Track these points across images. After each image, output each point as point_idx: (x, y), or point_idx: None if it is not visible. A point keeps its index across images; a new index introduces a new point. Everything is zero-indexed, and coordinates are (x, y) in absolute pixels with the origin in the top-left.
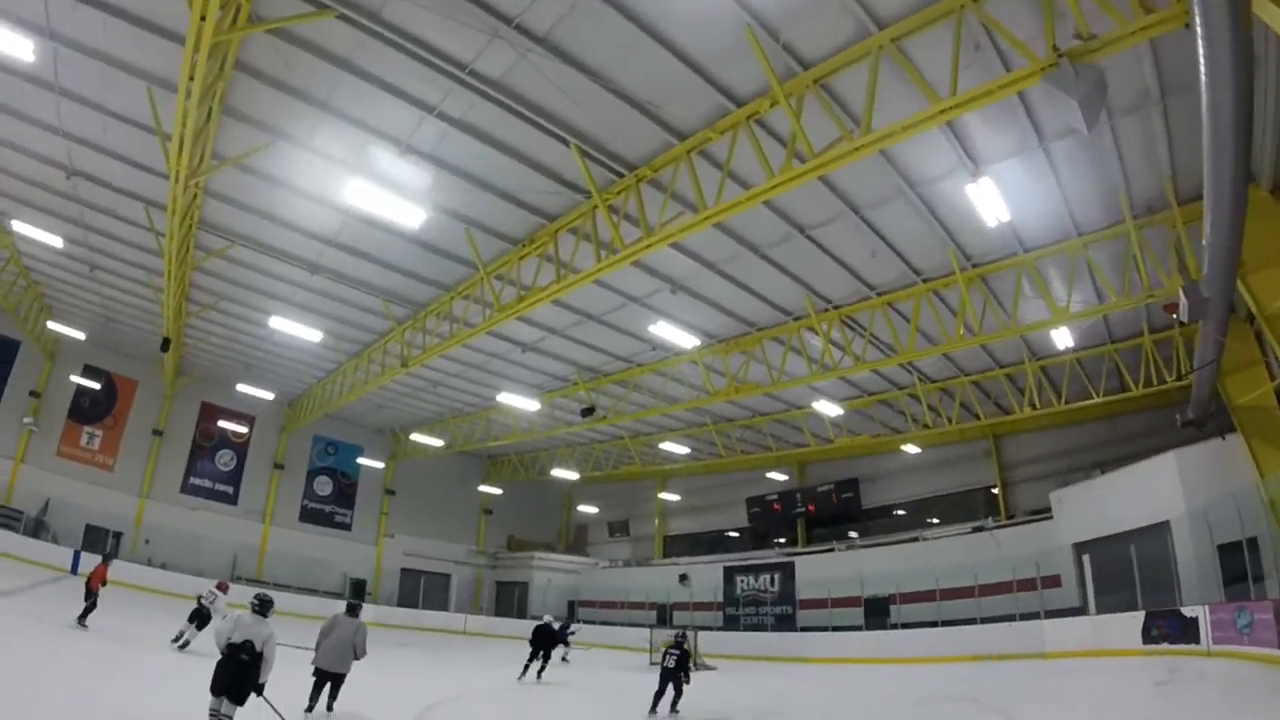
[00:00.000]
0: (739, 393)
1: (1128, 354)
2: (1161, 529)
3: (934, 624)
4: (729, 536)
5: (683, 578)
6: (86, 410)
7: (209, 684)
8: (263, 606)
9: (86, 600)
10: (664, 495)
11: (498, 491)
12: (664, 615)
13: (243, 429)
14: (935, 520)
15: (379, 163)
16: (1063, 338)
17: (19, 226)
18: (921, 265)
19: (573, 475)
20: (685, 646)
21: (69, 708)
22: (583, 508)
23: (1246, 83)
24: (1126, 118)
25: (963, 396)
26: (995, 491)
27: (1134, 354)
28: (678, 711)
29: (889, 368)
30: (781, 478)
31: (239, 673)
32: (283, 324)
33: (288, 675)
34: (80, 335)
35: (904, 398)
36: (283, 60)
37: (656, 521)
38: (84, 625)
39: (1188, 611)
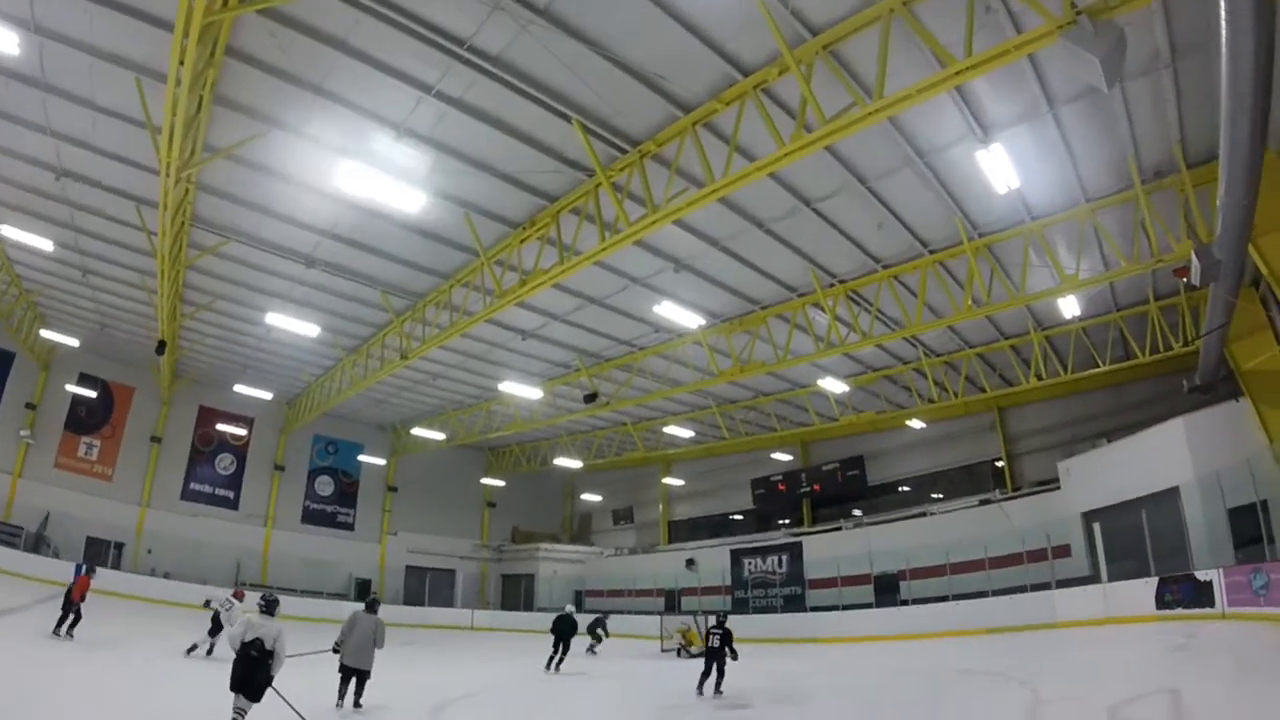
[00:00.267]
0: (744, 372)
1: (1133, 322)
2: (1171, 495)
3: (945, 598)
4: (734, 520)
5: (690, 562)
6: (83, 420)
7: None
8: (269, 606)
9: (64, 610)
10: (667, 480)
11: (500, 484)
12: (672, 601)
13: (241, 431)
14: (940, 495)
15: (375, 147)
16: (1069, 306)
17: (8, 231)
18: (928, 236)
19: (575, 464)
20: (727, 626)
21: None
22: (586, 496)
23: (1268, 35)
24: (1137, 80)
25: (968, 370)
26: (1000, 464)
27: (1139, 321)
28: (721, 692)
29: (893, 342)
30: (786, 458)
31: (250, 669)
32: (279, 320)
33: (313, 675)
34: (74, 343)
35: (908, 372)
36: (276, 43)
37: (661, 507)
38: (60, 634)
39: (1201, 575)
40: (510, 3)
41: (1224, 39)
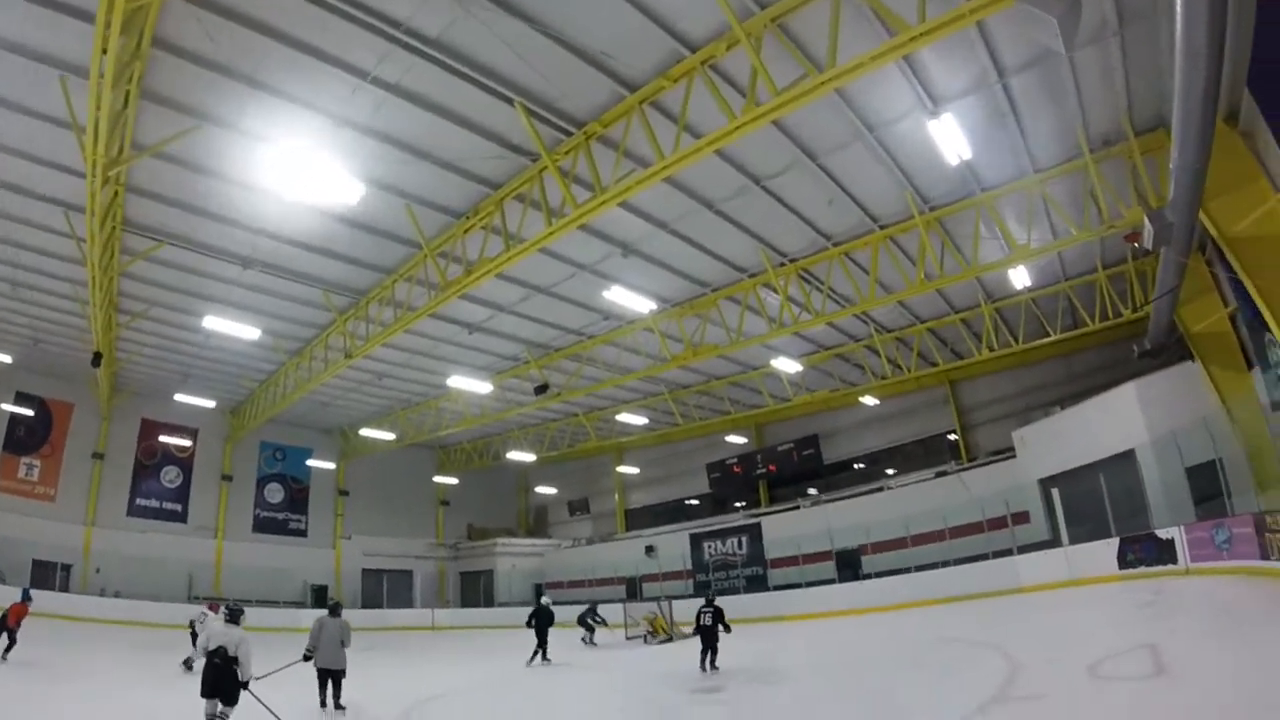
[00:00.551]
0: (696, 356)
1: (1082, 291)
2: (1128, 457)
3: (907, 570)
4: (691, 505)
5: (649, 549)
6: (22, 440)
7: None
8: (233, 615)
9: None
10: (622, 469)
11: (453, 481)
12: (634, 589)
13: (186, 442)
14: (892, 471)
15: (312, 139)
16: (1020, 277)
17: None
18: (879, 212)
19: (529, 457)
20: (718, 605)
21: None
22: (540, 489)
23: None
24: (1085, 49)
25: (919, 345)
26: (954, 437)
27: (1088, 291)
28: (718, 668)
29: (845, 320)
30: (740, 441)
31: (217, 676)
32: (218, 324)
33: (290, 685)
34: (8, 359)
35: (860, 350)
36: (204, 31)
37: (616, 496)
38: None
39: (1162, 534)
40: None
41: None
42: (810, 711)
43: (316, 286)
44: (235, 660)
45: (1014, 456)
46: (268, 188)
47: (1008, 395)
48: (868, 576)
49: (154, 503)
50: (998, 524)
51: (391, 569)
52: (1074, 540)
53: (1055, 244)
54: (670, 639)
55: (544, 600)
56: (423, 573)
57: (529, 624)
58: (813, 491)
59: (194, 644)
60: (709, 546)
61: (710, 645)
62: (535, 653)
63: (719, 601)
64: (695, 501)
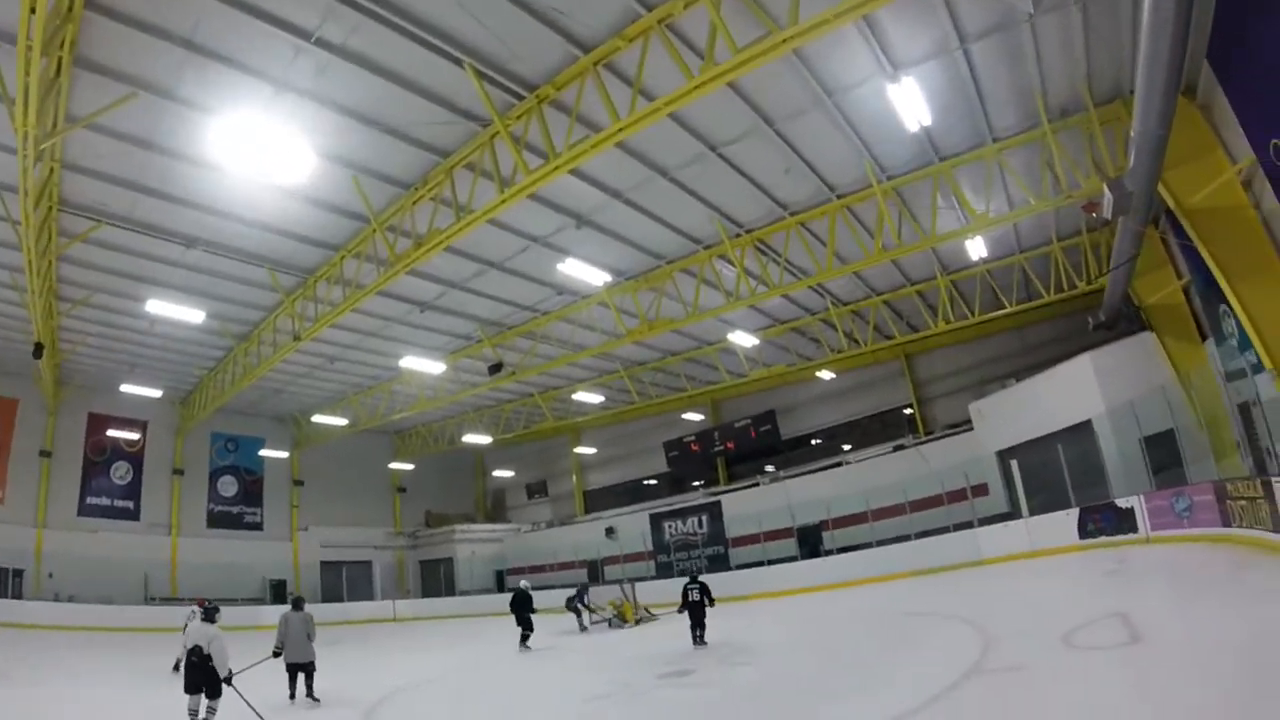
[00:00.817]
0: (652, 330)
1: (1037, 263)
2: (1084, 428)
3: (869, 545)
4: (649, 484)
5: (609, 531)
6: None
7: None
8: (208, 614)
9: None
10: (579, 450)
11: (409, 467)
12: (595, 571)
13: (135, 436)
14: (849, 447)
15: (253, 107)
16: (976, 248)
17: None
18: (836, 180)
19: (484, 440)
20: (702, 580)
21: None
22: (498, 473)
23: None
24: (1047, 16)
25: (875, 318)
26: (909, 411)
27: (1043, 262)
28: (705, 642)
29: (801, 293)
30: (697, 418)
31: (196, 673)
32: (161, 308)
33: (265, 681)
34: None
35: (817, 324)
36: None
37: (574, 478)
38: None
39: (1122, 503)
40: None
41: None
42: (783, 691)
43: (262, 266)
44: (209, 657)
45: (971, 429)
46: (210, 160)
47: (963, 368)
48: (829, 552)
49: (105, 500)
50: (957, 496)
51: (350, 560)
52: (1034, 511)
53: (1013, 213)
54: (638, 623)
55: (523, 584)
56: (382, 563)
57: (511, 609)
58: (771, 468)
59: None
60: (669, 526)
61: (698, 620)
62: (524, 637)
63: (703, 579)
64: (654, 481)
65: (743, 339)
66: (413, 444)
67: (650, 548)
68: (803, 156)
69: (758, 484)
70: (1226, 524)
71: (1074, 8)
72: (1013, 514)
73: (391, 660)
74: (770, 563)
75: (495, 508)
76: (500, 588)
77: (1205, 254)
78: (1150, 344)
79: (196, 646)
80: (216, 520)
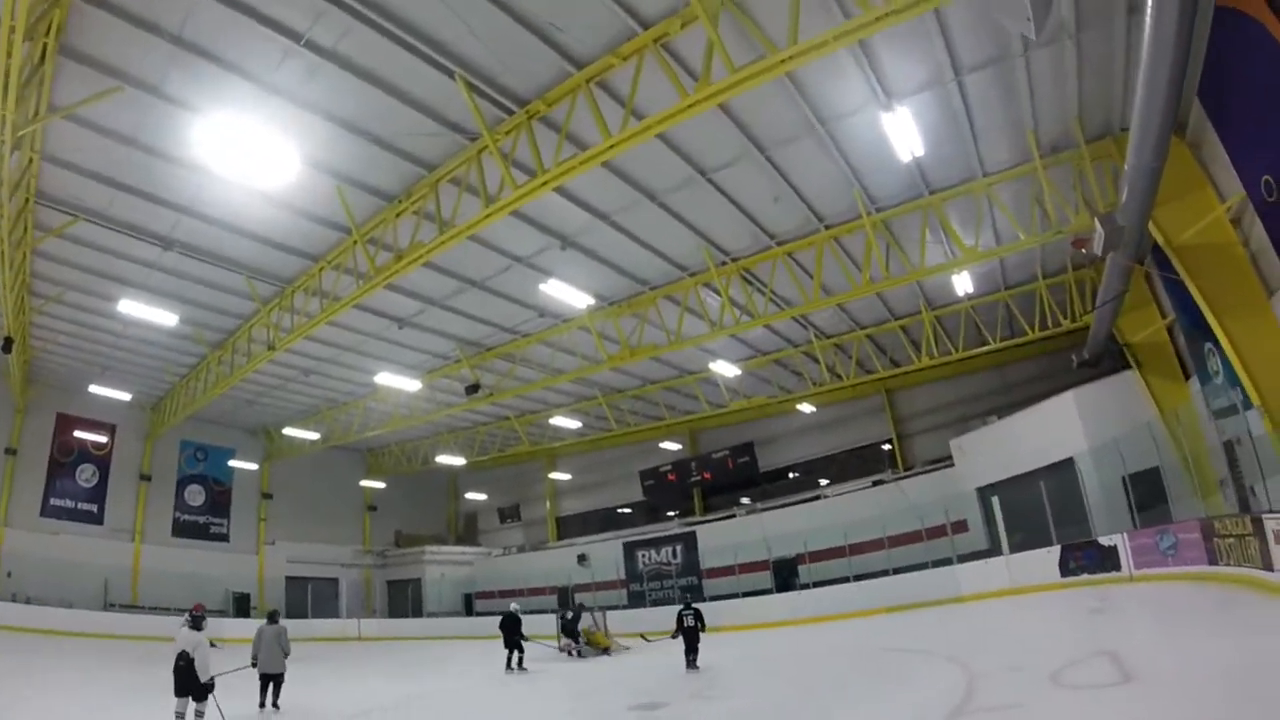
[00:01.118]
0: (634, 356)
1: (1022, 300)
2: (1066, 465)
3: (846, 580)
4: (623, 513)
5: (581, 558)
6: None
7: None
8: (195, 621)
9: None
10: (554, 475)
11: (380, 486)
12: (566, 598)
13: (103, 439)
14: (826, 481)
15: (239, 108)
16: (962, 283)
17: None
18: (825, 211)
19: (458, 461)
20: (695, 606)
21: None
22: (470, 495)
23: None
24: (1041, 51)
25: (858, 352)
26: (888, 447)
27: (1028, 300)
28: (699, 667)
29: (785, 324)
30: (675, 447)
31: (184, 678)
32: (134, 308)
33: (245, 685)
34: None
35: (799, 356)
36: None
37: (548, 503)
38: None
39: (1105, 541)
40: None
41: None
42: None
43: (240, 273)
44: (194, 661)
45: (951, 465)
46: (192, 161)
47: (943, 405)
48: (805, 586)
49: (69, 503)
50: (937, 532)
51: (317, 576)
52: (1014, 548)
53: (1002, 248)
54: (608, 651)
55: (513, 607)
56: (349, 580)
57: (501, 630)
58: (747, 500)
59: None
60: (643, 555)
61: (692, 645)
62: (509, 658)
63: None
64: (628, 510)
65: (724, 369)
66: (385, 462)
67: (623, 576)
68: (793, 185)
69: (734, 515)
70: (1213, 562)
71: (1069, 44)
72: (993, 550)
73: (356, 681)
74: (745, 595)
75: (467, 530)
76: (469, 611)
77: (1194, 290)
78: (1133, 382)
79: (183, 652)
80: (182, 529)
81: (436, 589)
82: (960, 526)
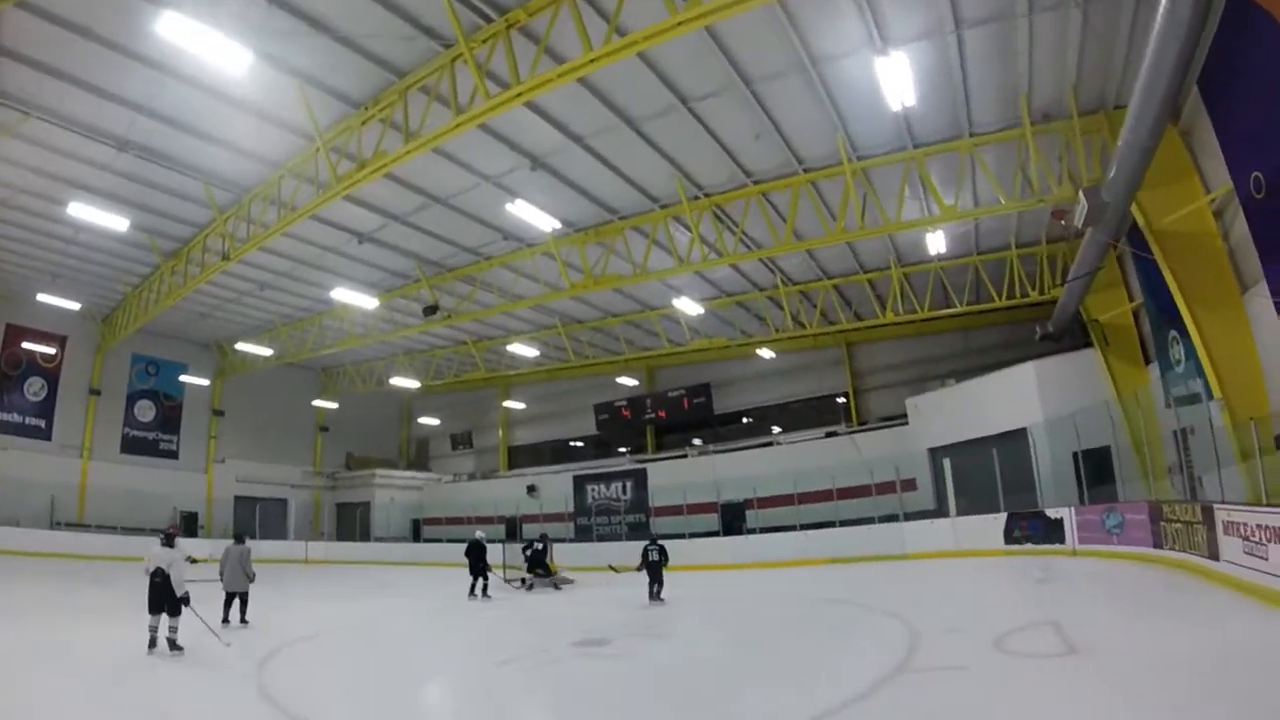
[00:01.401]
0: (597, 285)
1: (992, 267)
2: (1019, 435)
3: (793, 528)
4: (576, 446)
5: (531, 489)
6: None
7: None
8: (168, 539)
9: None
10: (508, 404)
11: (333, 406)
12: (513, 528)
13: (52, 351)
14: (779, 429)
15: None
16: (936, 243)
17: None
18: (806, 153)
19: (413, 384)
20: (661, 543)
21: None
22: (424, 420)
23: None
24: (1045, 14)
25: (824, 302)
26: (842, 400)
27: (998, 267)
28: (663, 599)
29: (751, 266)
30: (631, 383)
31: (159, 594)
32: (85, 212)
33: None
34: None
35: (763, 300)
36: None
37: (501, 432)
38: None
39: (1052, 513)
40: None
41: None
42: (700, 672)
43: (197, 178)
44: (169, 578)
45: (906, 424)
46: (151, 57)
47: (903, 363)
48: (752, 531)
49: (16, 417)
50: (886, 489)
51: (265, 497)
52: (960, 511)
53: (981, 210)
54: (555, 586)
55: (478, 535)
56: (298, 502)
57: (466, 557)
58: (699, 441)
59: None
60: (592, 490)
61: (657, 578)
62: (473, 586)
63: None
64: (581, 443)
65: (687, 306)
66: (339, 382)
67: (571, 509)
68: (775, 123)
69: (686, 456)
70: (1158, 545)
71: (1074, 10)
72: (940, 512)
73: (301, 604)
74: (692, 536)
75: (418, 455)
76: (416, 537)
77: (1169, 276)
78: (1094, 360)
79: (159, 569)
80: (131, 445)
81: (385, 514)
82: (909, 485)
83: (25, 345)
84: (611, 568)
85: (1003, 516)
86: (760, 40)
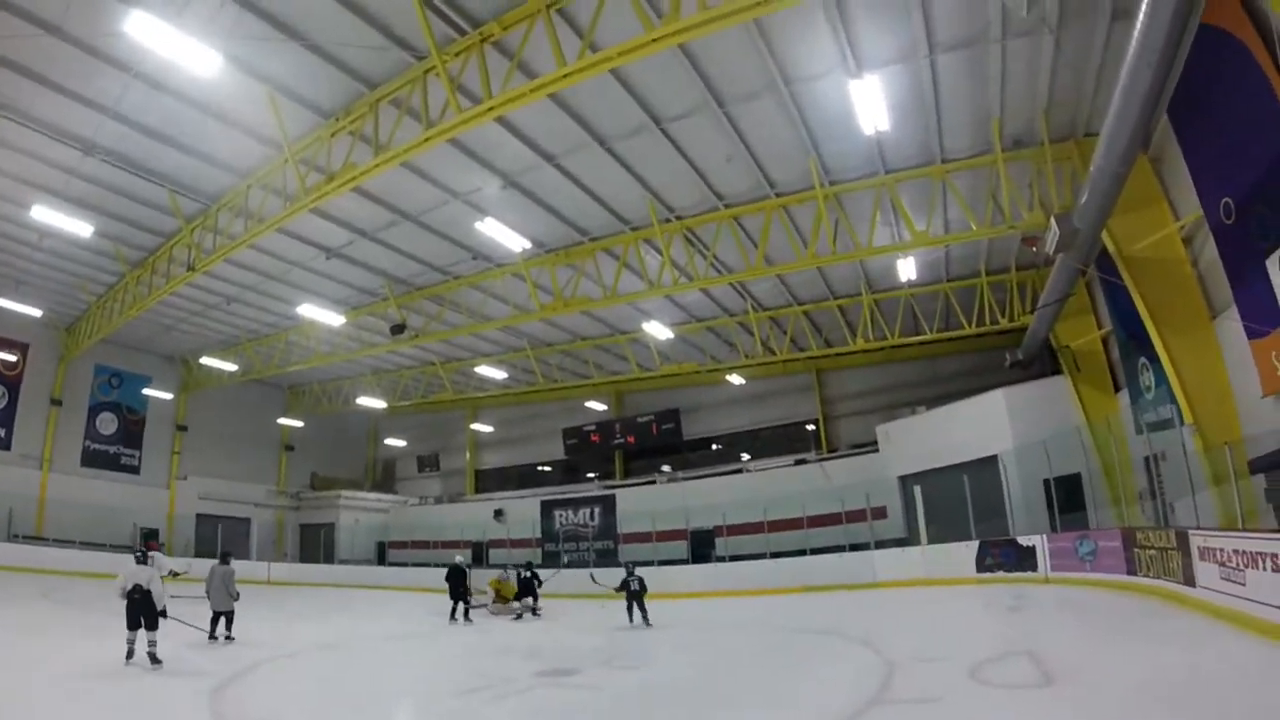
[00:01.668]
0: (567, 307)
1: (962, 294)
2: (990, 462)
3: (763, 556)
4: (544, 470)
5: (498, 513)
6: None
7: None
8: (143, 557)
9: None
10: (476, 427)
11: (299, 425)
12: (480, 553)
13: (14, 358)
14: (747, 456)
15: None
16: (906, 269)
17: None
18: (778, 177)
19: (379, 404)
20: (639, 573)
21: None
22: (390, 441)
23: None
24: (1018, 40)
25: (794, 328)
26: (810, 427)
27: (968, 294)
28: (650, 624)
29: (722, 290)
30: (600, 407)
31: (138, 609)
32: (49, 215)
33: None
34: None
35: (733, 325)
36: None
37: (468, 455)
38: None
39: (1024, 540)
40: None
41: None
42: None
43: (164, 186)
44: (149, 593)
45: (876, 451)
46: (120, 58)
47: (872, 390)
48: (721, 559)
49: None
50: (856, 516)
51: (228, 515)
52: (932, 539)
53: (952, 236)
54: (519, 615)
55: (459, 559)
56: (261, 521)
57: (447, 582)
58: (668, 468)
59: None
60: (560, 515)
61: (640, 605)
62: (454, 610)
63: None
64: (549, 468)
65: (657, 330)
66: (305, 401)
67: (538, 535)
68: (748, 145)
69: (654, 482)
70: (1131, 571)
71: (1048, 36)
72: (910, 540)
73: (262, 627)
74: (661, 563)
75: (384, 477)
76: (381, 560)
77: (1139, 302)
78: (1063, 387)
79: (137, 585)
80: (92, 459)
81: (350, 536)
82: (880, 513)
83: None
84: (594, 579)
85: (975, 544)
86: (734, 60)
